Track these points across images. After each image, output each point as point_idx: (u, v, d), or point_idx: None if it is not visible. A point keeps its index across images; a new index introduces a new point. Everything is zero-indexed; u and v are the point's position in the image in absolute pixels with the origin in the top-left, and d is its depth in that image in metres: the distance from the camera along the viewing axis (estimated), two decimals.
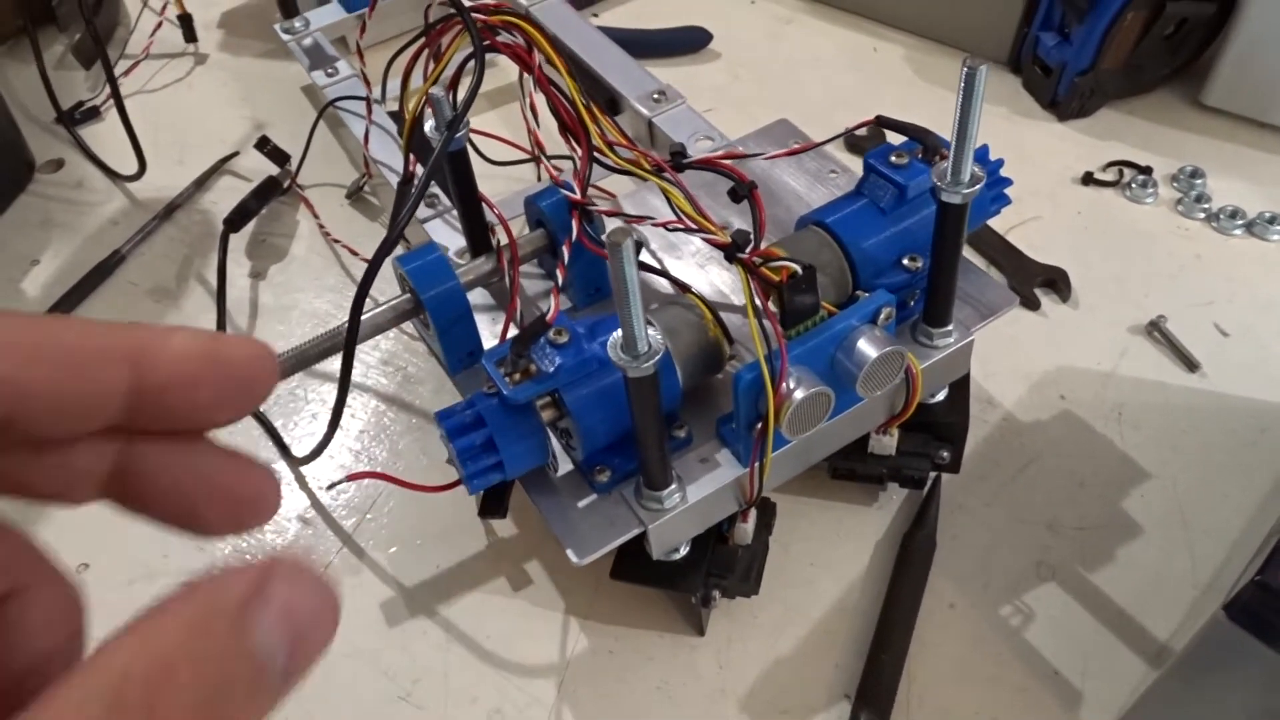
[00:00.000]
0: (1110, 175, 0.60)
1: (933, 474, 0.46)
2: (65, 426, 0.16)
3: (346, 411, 0.51)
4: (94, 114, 0.67)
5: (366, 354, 0.53)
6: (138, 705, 0.13)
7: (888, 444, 0.44)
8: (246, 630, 0.14)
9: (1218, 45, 0.61)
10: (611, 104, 0.59)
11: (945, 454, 0.45)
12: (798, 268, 0.36)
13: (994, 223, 0.57)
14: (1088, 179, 0.60)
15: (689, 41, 0.69)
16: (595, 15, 0.74)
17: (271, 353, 0.18)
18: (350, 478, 0.47)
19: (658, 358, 0.32)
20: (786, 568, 0.45)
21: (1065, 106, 0.63)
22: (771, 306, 0.36)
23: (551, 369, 0.36)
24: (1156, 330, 0.52)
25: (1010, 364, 0.51)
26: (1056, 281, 0.54)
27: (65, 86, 0.68)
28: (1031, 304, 0.54)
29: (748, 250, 0.37)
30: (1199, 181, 0.59)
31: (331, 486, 0.48)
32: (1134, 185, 0.59)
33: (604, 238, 0.30)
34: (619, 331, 0.32)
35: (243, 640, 0.14)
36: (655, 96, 0.56)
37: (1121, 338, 0.52)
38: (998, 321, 0.51)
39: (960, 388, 0.45)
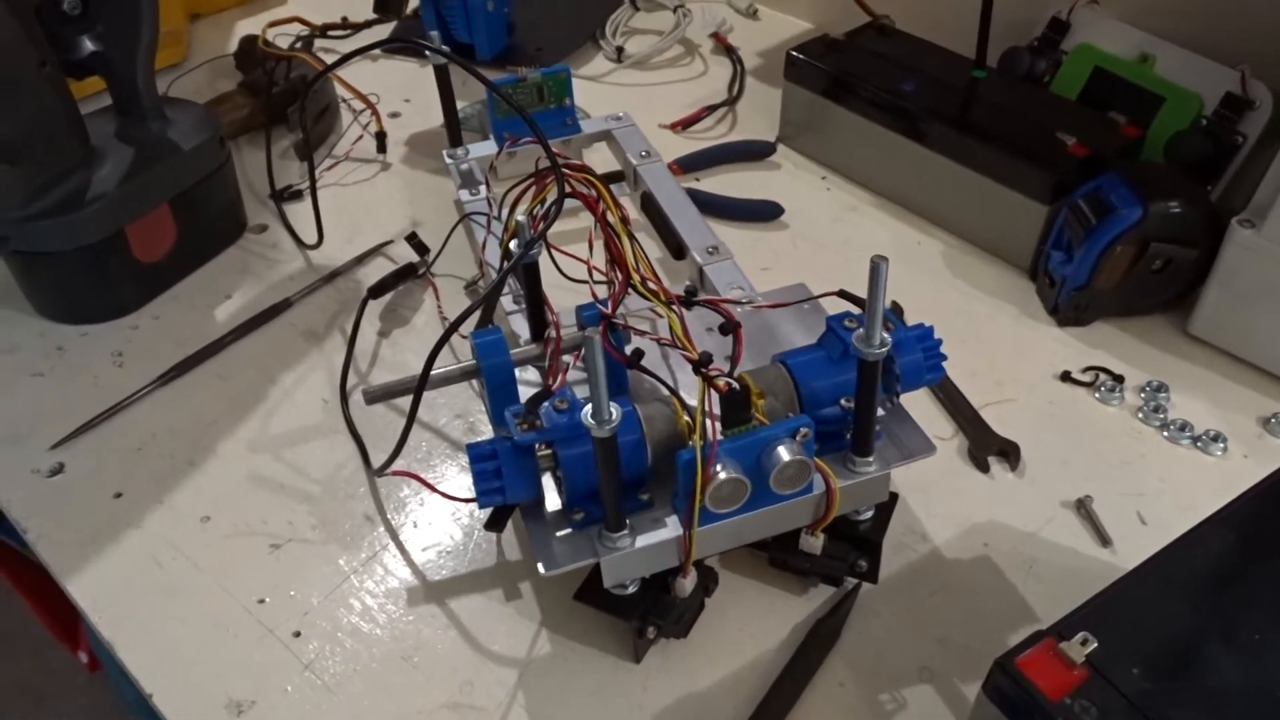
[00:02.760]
0: (1087, 377, 0.70)
1: (853, 579, 0.56)
2: None
3: (420, 446, 0.66)
4: (298, 195, 0.87)
5: (445, 407, 0.68)
6: None
7: (814, 544, 0.55)
8: None
9: (1204, 284, 0.71)
10: (678, 250, 0.73)
11: (863, 563, 0.56)
12: (737, 385, 0.49)
13: (973, 397, 0.68)
14: (1066, 377, 0.70)
15: (763, 211, 0.84)
16: (698, 180, 0.89)
17: None
18: (395, 472, 0.61)
19: (615, 425, 0.45)
20: (720, 627, 0.56)
21: (1063, 315, 0.74)
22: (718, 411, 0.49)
23: (550, 425, 0.49)
24: (1083, 507, 0.61)
25: (950, 510, 0.62)
26: (1009, 452, 0.64)
27: (282, 172, 0.89)
28: (983, 468, 0.64)
29: (708, 367, 0.50)
30: (1162, 394, 0.68)
31: (380, 472, 0.62)
32: (1104, 388, 0.69)
33: (585, 333, 0.44)
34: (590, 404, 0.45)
35: None
36: (710, 250, 0.71)
37: (1052, 508, 0.62)
38: (948, 475, 0.62)
39: (885, 512, 0.56)
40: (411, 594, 0.58)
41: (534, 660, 0.54)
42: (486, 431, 0.67)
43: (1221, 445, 0.65)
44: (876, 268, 0.46)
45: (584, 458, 0.50)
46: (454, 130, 0.83)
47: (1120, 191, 0.70)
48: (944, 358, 0.56)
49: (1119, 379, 0.69)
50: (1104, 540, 0.60)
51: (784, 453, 0.49)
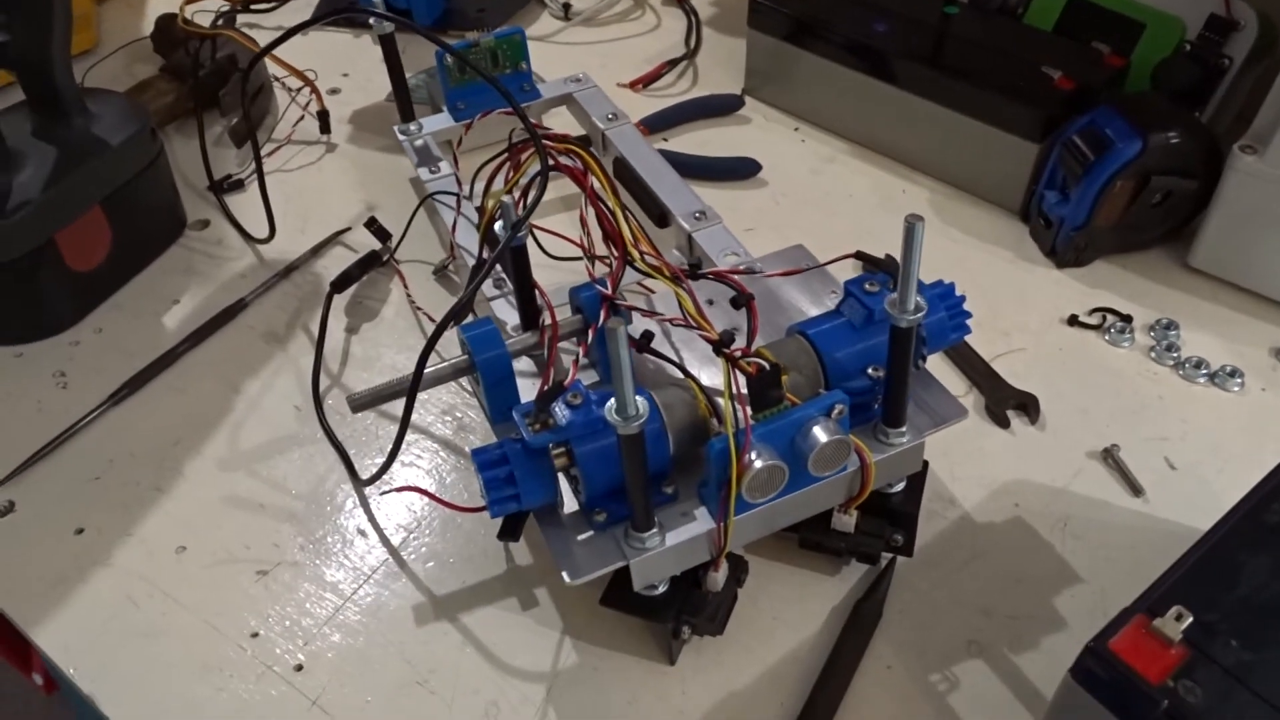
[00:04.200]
0: (1094, 319, 0.68)
1: (888, 555, 0.54)
2: None
3: (409, 449, 0.61)
4: (239, 186, 0.81)
5: (431, 404, 0.64)
6: None
7: (848, 522, 0.52)
8: None
9: (1204, 215, 0.69)
10: (662, 218, 0.69)
11: (899, 537, 0.53)
12: (767, 364, 0.45)
13: (981, 350, 0.65)
14: (1073, 320, 0.68)
15: (740, 169, 0.80)
16: (665, 140, 0.85)
17: None
18: (399, 489, 0.57)
19: (642, 420, 0.41)
20: (753, 618, 0.52)
21: (1062, 256, 0.71)
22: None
23: (564, 423, 0.45)
24: (1110, 457, 0.59)
25: (975, 472, 0.59)
26: (1027, 405, 0.62)
27: (219, 161, 0.82)
28: (1002, 423, 0.62)
29: (730, 347, 0.46)
30: (1173, 332, 0.66)
31: (386, 492, 0.58)
32: (1113, 330, 0.66)
33: (604, 324, 0.40)
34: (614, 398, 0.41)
35: None
36: (697, 215, 0.67)
37: (1078, 460, 0.59)
38: (969, 434, 0.59)
39: (917, 481, 0.53)
40: (419, 612, 0.53)
41: (561, 672, 0.51)
42: (477, 428, 0.62)
43: (1238, 380, 0.63)
44: (912, 228, 0.42)
45: (604, 454, 0.46)
46: (405, 104, 0.77)
47: (1116, 124, 0.67)
48: (968, 315, 0.53)
49: (1127, 319, 0.67)
50: (1135, 490, 0.58)
51: (820, 433, 0.45)
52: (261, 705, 0.50)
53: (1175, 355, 0.65)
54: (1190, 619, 0.36)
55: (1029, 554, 0.55)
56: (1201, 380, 0.64)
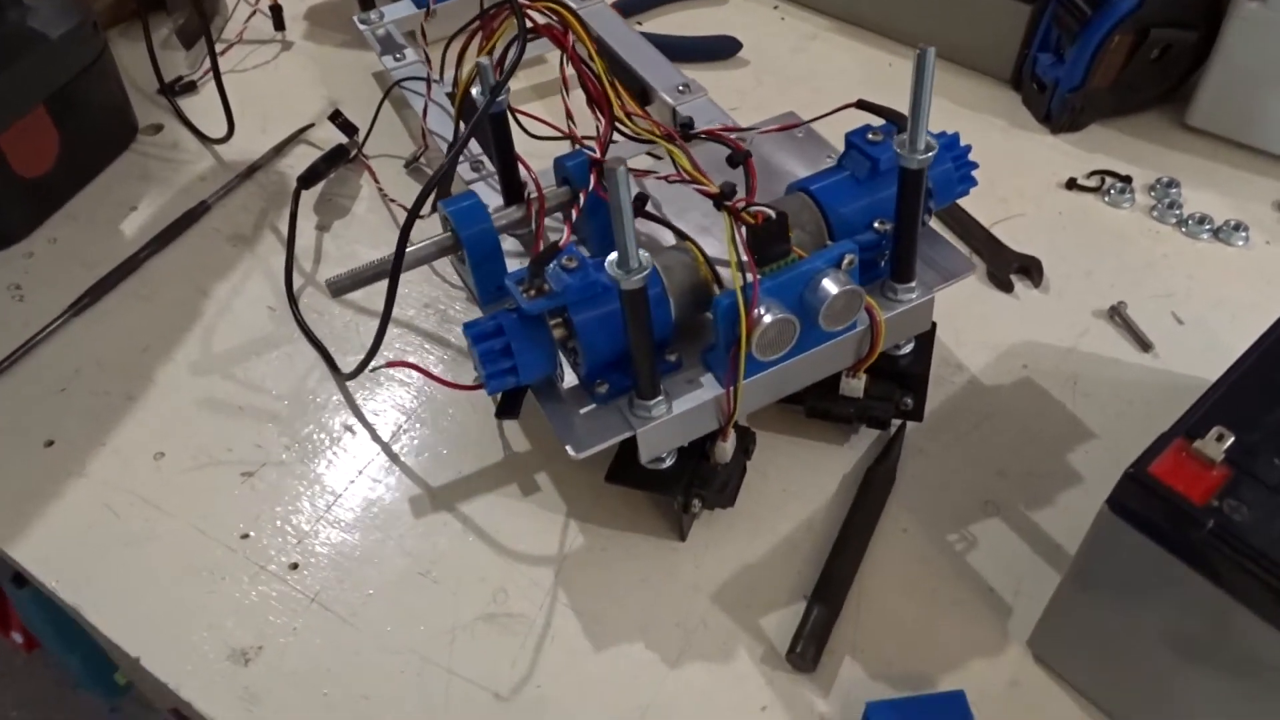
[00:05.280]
0: (1093, 182, 0.66)
1: (898, 420, 0.52)
2: None
3: (390, 344, 0.58)
4: (191, 88, 0.76)
5: (411, 298, 0.61)
6: None
7: (856, 387, 0.50)
8: None
9: (1202, 70, 0.67)
10: (643, 94, 0.66)
11: (909, 400, 0.51)
12: (772, 213, 0.43)
13: (980, 216, 0.63)
14: (1071, 184, 0.66)
15: (720, 49, 0.76)
16: (640, 23, 0.81)
17: None
18: (390, 364, 0.54)
19: (646, 273, 0.39)
20: (762, 491, 0.51)
21: (1057, 121, 0.69)
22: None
23: (560, 288, 0.43)
24: (1117, 315, 0.58)
25: (981, 337, 0.57)
26: (1030, 269, 0.60)
27: (168, 63, 0.77)
28: (1006, 287, 0.60)
29: (732, 199, 0.44)
30: (1174, 191, 0.64)
31: (375, 369, 0.55)
32: (1113, 191, 0.65)
33: (604, 164, 0.37)
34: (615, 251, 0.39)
35: None
36: (681, 89, 0.63)
37: (1084, 320, 0.58)
38: (973, 299, 0.57)
39: (925, 343, 0.52)
40: (416, 504, 0.51)
41: (569, 555, 0.49)
42: (462, 319, 0.60)
43: (1243, 234, 0.61)
44: (923, 55, 0.40)
45: (606, 320, 0.44)
46: None
47: None
48: (974, 165, 0.51)
49: (1126, 180, 0.65)
50: (1144, 345, 0.56)
51: (831, 285, 0.43)
52: (258, 605, 0.48)
53: (1177, 213, 0.63)
54: (1232, 439, 0.34)
55: (1040, 414, 0.54)
56: (1205, 236, 0.62)
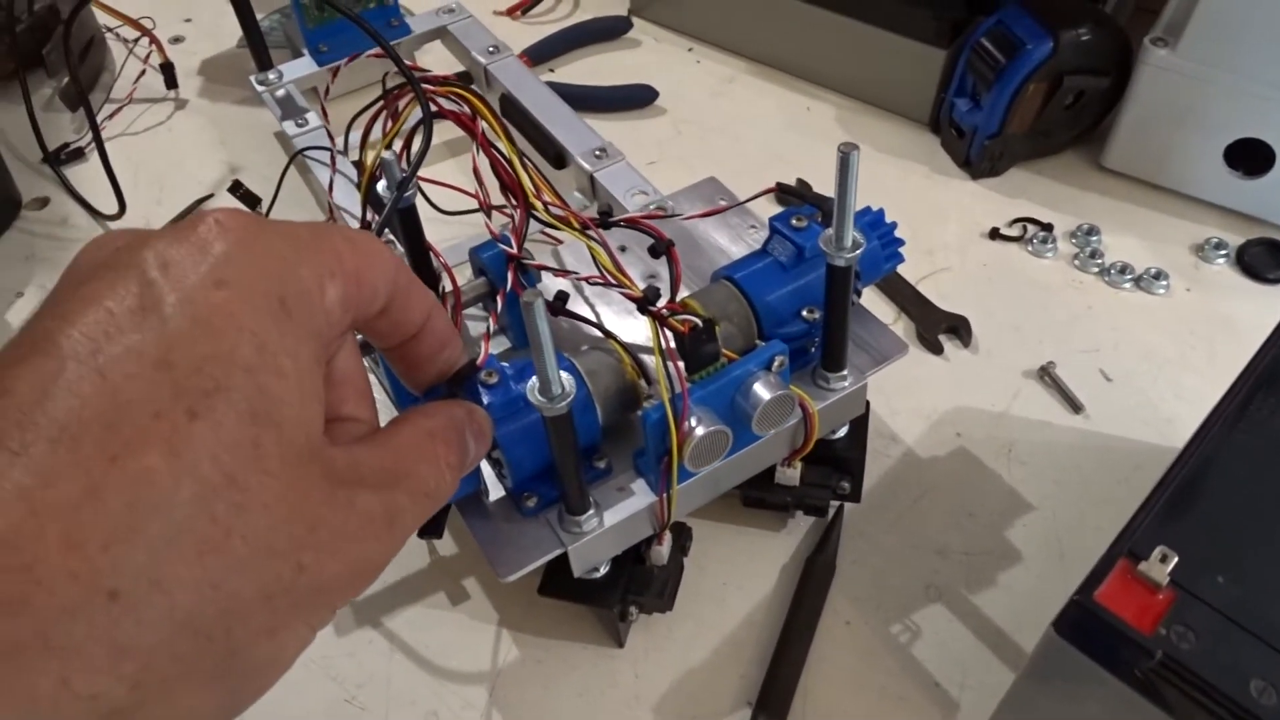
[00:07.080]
0: (1015, 231, 0.65)
1: (835, 503, 0.51)
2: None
3: None
4: (79, 155, 0.72)
5: None
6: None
7: (792, 475, 0.49)
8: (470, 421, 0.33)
9: (1115, 113, 0.67)
10: (558, 158, 0.64)
11: (845, 485, 0.50)
12: (699, 321, 0.41)
13: (906, 273, 0.62)
14: (994, 234, 0.65)
15: (636, 98, 0.75)
16: (552, 70, 0.79)
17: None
18: None
19: (570, 399, 0.37)
20: (700, 586, 0.49)
21: (977, 167, 0.69)
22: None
23: (481, 405, 0.40)
24: (1047, 375, 0.57)
25: (913, 404, 0.56)
26: (959, 328, 0.59)
27: (52, 128, 0.73)
28: (935, 349, 0.59)
29: (658, 304, 0.42)
30: (1094, 238, 0.64)
31: None
32: (1035, 241, 0.64)
33: (521, 298, 0.35)
34: (536, 377, 0.37)
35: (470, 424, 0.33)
36: (597, 153, 0.61)
37: (1015, 381, 0.57)
38: (903, 363, 0.56)
39: (860, 424, 0.50)
40: (339, 622, 0.49)
41: (503, 670, 0.47)
42: (383, 413, 0.57)
43: (1164, 282, 0.62)
44: (846, 157, 0.38)
45: (528, 433, 0.41)
46: (260, 50, 0.69)
47: (1025, 24, 0.64)
48: (901, 242, 0.50)
49: (1048, 227, 0.65)
50: (1075, 406, 0.56)
51: (763, 390, 0.42)
52: None
53: (1099, 262, 0.63)
54: (1175, 559, 0.34)
55: (977, 485, 0.53)
56: (1127, 285, 0.62)
